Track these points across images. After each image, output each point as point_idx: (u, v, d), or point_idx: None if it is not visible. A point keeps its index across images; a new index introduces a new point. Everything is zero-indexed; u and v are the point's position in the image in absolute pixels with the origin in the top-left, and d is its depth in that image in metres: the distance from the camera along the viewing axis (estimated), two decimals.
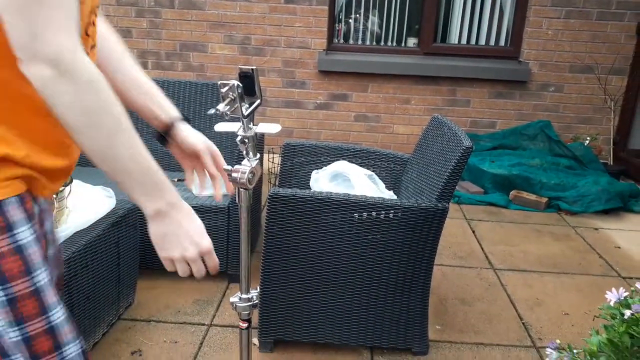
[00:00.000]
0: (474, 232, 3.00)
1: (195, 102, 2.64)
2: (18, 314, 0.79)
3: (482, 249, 2.79)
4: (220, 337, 1.95)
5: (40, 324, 0.81)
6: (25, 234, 0.79)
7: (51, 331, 0.82)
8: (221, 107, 0.98)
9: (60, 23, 0.66)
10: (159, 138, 1.07)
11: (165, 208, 0.82)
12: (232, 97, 0.99)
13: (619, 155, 3.95)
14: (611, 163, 3.92)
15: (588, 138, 3.92)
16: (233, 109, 1.00)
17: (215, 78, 3.94)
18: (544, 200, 3.36)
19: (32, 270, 0.80)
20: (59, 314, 0.83)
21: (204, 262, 0.90)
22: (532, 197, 3.39)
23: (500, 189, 3.51)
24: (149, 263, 2.12)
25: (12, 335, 0.79)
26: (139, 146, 0.77)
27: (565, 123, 4.00)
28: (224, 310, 2.10)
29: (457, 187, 3.57)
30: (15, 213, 0.78)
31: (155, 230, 0.84)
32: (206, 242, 0.88)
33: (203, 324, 2.01)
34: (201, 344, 1.90)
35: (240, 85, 0.99)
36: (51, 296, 0.82)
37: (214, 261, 0.90)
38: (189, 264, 0.88)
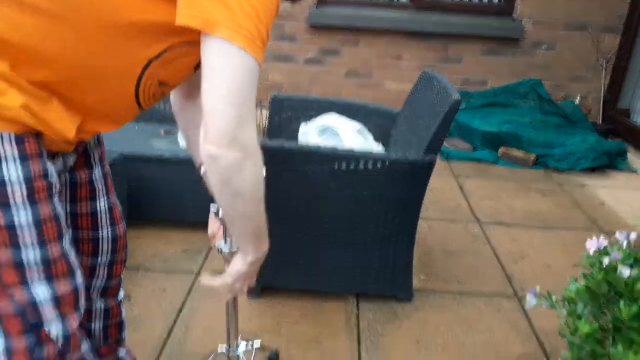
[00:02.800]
0: (461, 188, 3.03)
1: None
2: None
3: (469, 204, 2.82)
4: None
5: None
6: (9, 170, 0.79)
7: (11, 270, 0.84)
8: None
9: (253, 116, 0.78)
10: None
11: (261, 256, 1.00)
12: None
13: (608, 114, 3.96)
14: (600, 122, 3.93)
15: (579, 97, 3.91)
16: None
17: None
18: (532, 157, 3.38)
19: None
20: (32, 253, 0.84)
21: None
22: (521, 153, 3.41)
23: (489, 146, 3.52)
24: (134, 214, 2.12)
25: None
26: (264, 216, 0.96)
27: (556, 82, 3.98)
28: (212, 259, 2.13)
29: (446, 144, 3.59)
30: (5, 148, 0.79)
31: (241, 268, 1.00)
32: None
33: (191, 272, 2.04)
34: (189, 291, 1.93)
35: None
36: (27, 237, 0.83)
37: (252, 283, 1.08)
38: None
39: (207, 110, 0.76)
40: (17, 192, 0.80)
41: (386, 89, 4.02)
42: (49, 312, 0.87)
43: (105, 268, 1.14)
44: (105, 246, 1.12)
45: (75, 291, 0.92)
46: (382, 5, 3.94)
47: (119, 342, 1.25)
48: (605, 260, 1.21)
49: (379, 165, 1.72)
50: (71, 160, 1.01)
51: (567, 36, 3.87)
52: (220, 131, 0.75)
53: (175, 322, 1.77)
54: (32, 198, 0.82)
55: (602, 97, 3.95)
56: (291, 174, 1.73)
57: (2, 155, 0.79)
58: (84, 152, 1.06)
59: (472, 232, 2.51)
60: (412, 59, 3.95)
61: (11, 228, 0.81)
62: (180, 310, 1.83)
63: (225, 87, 0.75)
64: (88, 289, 1.13)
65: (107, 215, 1.11)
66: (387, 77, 3.99)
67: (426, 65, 3.93)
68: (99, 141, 1.10)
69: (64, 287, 0.89)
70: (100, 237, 1.10)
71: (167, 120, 2.50)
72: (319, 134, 2.25)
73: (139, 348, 1.46)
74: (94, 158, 1.08)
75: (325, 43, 3.92)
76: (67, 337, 0.91)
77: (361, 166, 1.71)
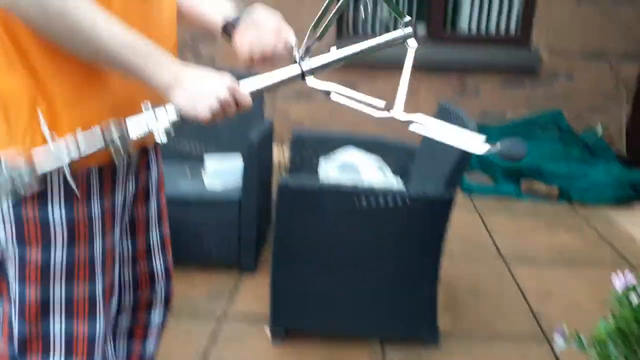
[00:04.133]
0: (484, 223, 3.00)
1: None
2: None
3: (492, 239, 2.78)
4: (233, 327, 1.97)
5: None
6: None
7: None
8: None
9: None
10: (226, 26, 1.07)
11: (172, 83, 0.84)
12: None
13: (631, 144, 3.90)
14: (624, 152, 3.87)
15: (600, 127, 3.87)
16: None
17: (226, 70, 3.95)
18: (555, 190, 3.33)
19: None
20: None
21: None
22: (543, 187, 3.37)
23: (511, 180, 3.49)
24: None
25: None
26: (120, 33, 0.79)
27: (576, 112, 3.95)
28: (236, 301, 2.13)
29: (467, 178, 3.57)
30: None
31: (178, 101, 0.85)
32: (227, 79, 0.88)
33: (216, 315, 2.04)
34: (213, 334, 1.93)
35: None
36: None
37: (243, 97, 0.91)
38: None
39: None
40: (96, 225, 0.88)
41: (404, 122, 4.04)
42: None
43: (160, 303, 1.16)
44: (159, 275, 1.14)
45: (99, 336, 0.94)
46: None
47: None
48: (634, 298, 1.18)
49: (399, 201, 1.72)
50: (131, 187, 1.03)
51: (584, 66, 3.86)
52: None
53: None
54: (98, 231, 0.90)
55: (624, 127, 3.90)
56: (311, 212, 1.75)
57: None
58: (145, 185, 1.09)
59: (497, 270, 2.47)
60: (430, 93, 3.97)
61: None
62: (204, 355, 1.82)
63: None
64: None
65: (159, 246, 1.13)
66: (406, 111, 4.01)
67: (444, 98, 3.94)
68: (158, 168, 1.14)
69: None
70: (155, 267, 1.13)
71: (194, 159, 2.56)
72: (339, 170, 2.27)
73: None
74: (152, 189, 1.11)
75: (343, 79, 3.98)
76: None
77: (381, 203, 1.71)
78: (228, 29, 1.04)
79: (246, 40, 1.02)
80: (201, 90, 0.84)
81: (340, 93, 1.00)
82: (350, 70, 3.94)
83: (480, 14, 3.98)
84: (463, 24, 4.01)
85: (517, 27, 3.96)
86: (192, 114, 0.85)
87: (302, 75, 0.94)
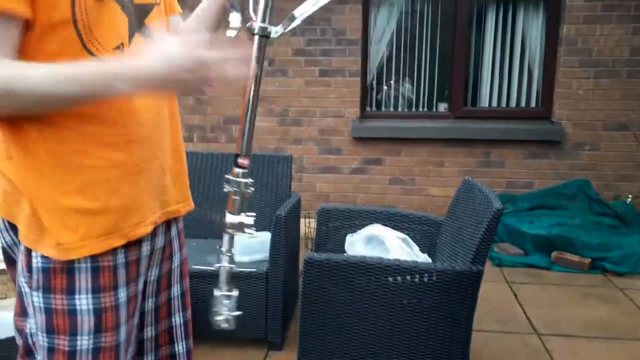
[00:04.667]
0: (515, 295, 2.93)
1: None
2: None
3: (524, 313, 2.71)
4: None
5: None
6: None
7: None
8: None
9: None
10: None
11: (131, 88, 0.81)
12: None
13: None
14: None
15: (630, 196, 3.83)
16: None
17: (255, 149, 4.12)
18: (587, 261, 3.26)
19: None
20: None
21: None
22: (575, 258, 3.30)
23: (541, 250, 3.44)
24: None
25: None
26: (49, 71, 0.78)
27: (604, 181, 3.94)
28: None
29: (496, 249, 3.54)
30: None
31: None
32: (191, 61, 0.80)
33: None
34: None
35: None
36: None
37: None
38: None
39: None
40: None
41: (430, 194, 4.08)
42: None
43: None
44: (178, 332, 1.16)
45: None
46: (421, 116, 4.14)
47: None
48: None
49: (425, 277, 1.73)
50: (155, 273, 1.07)
51: (609, 136, 3.89)
52: None
53: None
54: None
55: None
56: (338, 286, 1.77)
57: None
58: (168, 271, 1.12)
59: (531, 344, 2.39)
60: (454, 165, 4.04)
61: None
62: None
63: None
64: None
65: (179, 302, 1.15)
66: (431, 184, 4.07)
67: (469, 171, 4.01)
68: (181, 253, 1.16)
69: None
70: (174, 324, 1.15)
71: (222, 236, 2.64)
72: (364, 244, 2.30)
73: None
74: (174, 275, 1.13)
75: (368, 153, 4.10)
76: None
77: (408, 278, 1.73)
78: None
79: None
80: (162, 84, 0.82)
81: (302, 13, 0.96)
82: (377, 145, 4.06)
83: (500, 90, 4.11)
84: (483, 100, 4.13)
85: (537, 101, 4.06)
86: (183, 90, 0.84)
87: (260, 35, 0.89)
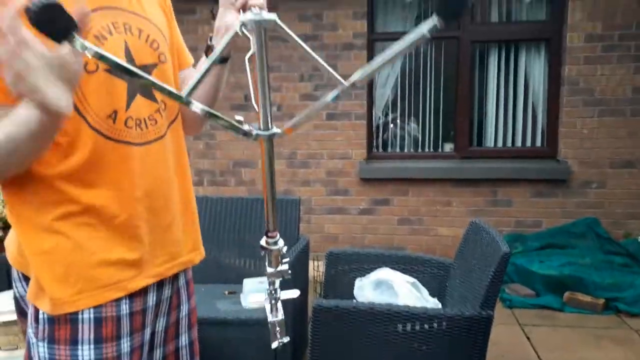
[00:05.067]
0: (528, 338, 2.89)
1: (247, 216, 2.81)
2: None
3: (538, 356, 2.66)
4: None
5: None
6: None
7: None
8: None
9: None
10: (207, 49, 1.11)
11: (33, 112, 0.75)
12: None
13: None
14: None
15: None
16: None
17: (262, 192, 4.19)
18: (601, 301, 3.21)
19: None
20: None
21: None
22: (588, 298, 3.25)
23: (552, 291, 3.40)
24: None
25: None
26: None
27: (613, 219, 3.92)
28: None
29: (507, 290, 3.50)
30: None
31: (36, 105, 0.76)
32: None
33: None
34: None
35: None
36: None
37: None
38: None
39: None
40: None
41: (439, 234, 4.08)
42: None
43: None
44: None
45: None
46: (427, 157, 4.18)
47: None
48: None
49: (435, 324, 1.73)
50: (162, 324, 1.07)
51: (615, 174, 3.90)
52: None
53: None
54: None
55: None
56: (346, 333, 1.77)
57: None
58: (176, 321, 1.12)
59: None
60: (462, 205, 4.05)
61: None
62: None
63: None
64: None
65: (188, 350, 1.15)
66: (439, 224, 4.07)
67: (477, 210, 4.01)
68: (189, 303, 1.16)
69: None
70: None
71: (232, 280, 2.65)
72: (373, 288, 2.29)
73: None
74: (182, 325, 1.14)
75: (376, 194, 4.13)
76: None
77: (417, 326, 1.72)
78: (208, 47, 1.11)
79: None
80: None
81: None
82: (384, 186, 4.10)
83: (505, 129, 4.16)
84: (489, 140, 4.18)
85: (543, 140, 4.10)
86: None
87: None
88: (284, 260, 0.98)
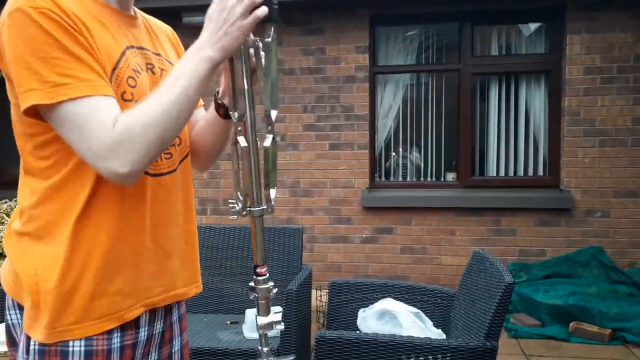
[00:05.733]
0: None
1: (250, 245, 2.82)
2: None
3: None
4: None
5: None
6: None
7: None
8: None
9: (97, 123, 0.87)
10: (222, 111, 1.14)
11: (208, 50, 0.91)
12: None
13: None
14: None
15: None
16: None
17: (267, 220, 4.19)
18: (608, 331, 3.18)
19: None
20: None
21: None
22: (594, 328, 3.22)
23: (557, 321, 3.37)
24: None
25: None
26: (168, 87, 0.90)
27: (618, 248, 3.90)
28: None
29: (512, 320, 3.47)
30: None
31: (216, 54, 0.92)
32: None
33: None
34: None
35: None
36: None
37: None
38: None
39: (83, 154, 0.87)
40: None
41: (442, 264, 4.07)
42: None
43: None
44: None
45: None
46: (430, 186, 4.21)
47: None
48: None
49: (439, 354, 1.72)
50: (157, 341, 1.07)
51: (619, 203, 3.90)
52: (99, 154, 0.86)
53: None
54: None
55: None
56: None
57: None
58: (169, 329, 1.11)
59: None
60: (466, 234, 4.05)
61: None
62: None
63: (77, 137, 0.86)
64: None
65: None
66: (442, 252, 4.07)
67: (480, 239, 4.01)
68: (182, 338, 1.16)
69: None
70: None
71: (234, 310, 2.65)
72: (377, 319, 2.28)
73: None
74: (173, 332, 1.13)
75: (379, 222, 4.14)
76: None
77: (421, 357, 1.71)
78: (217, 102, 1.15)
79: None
80: (222, 28, 0.91)
81: None
82: (387, 214, 4.11)
83: (507, 159, 4.19)
84: (491, 170, 4.21)
85: (545, 169, 4.13)
86: (234, 46, 0.92)
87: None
88: (276, 311, 1.02)
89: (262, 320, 1.05)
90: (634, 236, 3.90)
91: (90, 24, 0.90)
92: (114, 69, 0.92)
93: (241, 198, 1.02)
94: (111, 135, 0.85)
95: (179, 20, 3.85)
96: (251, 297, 1.06)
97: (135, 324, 0.99)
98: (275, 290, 1.05)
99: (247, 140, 1.00)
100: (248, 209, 1.03)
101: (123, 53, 0.95)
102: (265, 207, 1.04)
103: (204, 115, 1.18)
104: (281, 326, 1.02)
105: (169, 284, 1.06)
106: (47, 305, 0.91)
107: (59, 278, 0.91)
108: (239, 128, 1.01)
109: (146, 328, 1.02)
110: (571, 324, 3.30)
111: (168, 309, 1.10)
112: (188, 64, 0.91)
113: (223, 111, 1.11)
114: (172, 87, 0.89)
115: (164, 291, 1.05)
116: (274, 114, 1.01)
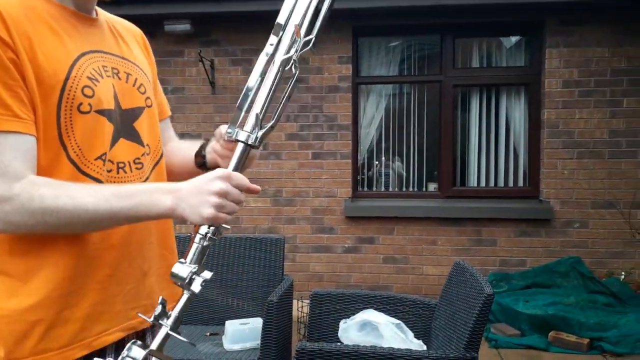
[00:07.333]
0: None
1: (229, 256, 2.79)
2: None
3: None
4: None
5: None
6: None
7: None
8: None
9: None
10: (200, 164, 1.12)
11: (173, 201, 0.86)
12: None
13: None
14: None
15: (623, 273, 3.84)
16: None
17: (249, 229, 4.17)
18: (586, 341, 3.21)
19: None
20: None
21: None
22: (573, 338, 3.25)
23: (537, 330, 3.39)
24: None
25: None
26: (99, 193, 0.84)
27: (596, 258, 3.96)
28: None
29: (493, 330, 3.49)
30: None
31: (184, 216, 0.86)
32: (217, 172, 0.88)
33: None
34: None
35: None
36: None
37: (237, 177, 0.88)
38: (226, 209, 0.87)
39: None
40: None
41: (424, 273, 4.08)
42: None
43: None
44: None
45: None
46: (412, 196, 4.23)
47: None
48: None
49: None
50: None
51: (597, 214, 3.96)
52: None
53: None
54: None
55: None
56: None
57: None
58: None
59: None
60: (447, 243, 4.07)
61: None
62: None
63: None
64: None
65: None
66: (424, 262, 4.08)
67: (462, 249, 4.03)
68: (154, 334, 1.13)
69: None
70: None
71: (214, 322, 2.62)
72: (358, 330, 2.27)
73: None
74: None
75: (361, 232, 4.14)
76: None
77: None
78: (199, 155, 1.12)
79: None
80: (197, 195, 0.85)
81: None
82: (369, 224, 4.11)
83: (487, 170, 4.23)
84: (472, 180, 4.25)
85: (525, 180, 4.18)
86: (199, 220, 0.86)
87: (250, 146, 0.93)
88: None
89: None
90: (612, 246, 3.97)
91: (36, 35, 0.85)
92: (65, 80, 0.86)
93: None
94: (7, 190, 0.80)
95: (161, 28, 3.83)
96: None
97: (102, 351, 0.92)
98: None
99: None
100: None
101: (75, 61, 0.89)
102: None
103: (183, 153, 1.15)
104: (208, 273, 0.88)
105: (146, 305, 0.99)
106: (3, 335, 0.84)
107: (14, 305, 0.85)
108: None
109: (112, 355, 0.94)
110: (550, 334, 3.33)
111: (142, 334, 1.03)
112: (147, 194, 0.86)
113: (199, 160, 1.10)
114: (110, 199, 0.84)
115: (143, 312, 0.96)
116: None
